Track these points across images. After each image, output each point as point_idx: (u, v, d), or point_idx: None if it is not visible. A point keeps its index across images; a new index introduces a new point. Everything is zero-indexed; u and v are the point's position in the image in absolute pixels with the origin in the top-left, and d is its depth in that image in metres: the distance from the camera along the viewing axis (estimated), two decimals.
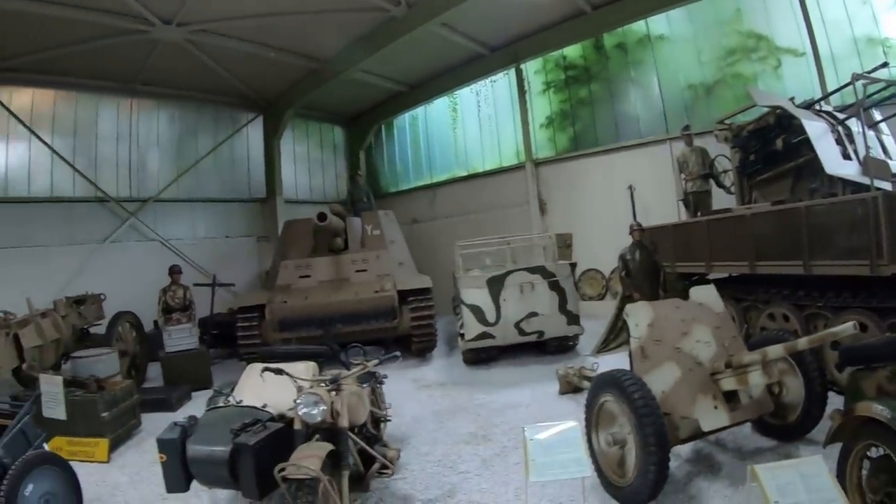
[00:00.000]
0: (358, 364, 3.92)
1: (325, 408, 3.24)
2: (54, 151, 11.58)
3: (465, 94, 14.53)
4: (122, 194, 12.40)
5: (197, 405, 7.33)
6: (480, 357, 8.29)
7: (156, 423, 6.70)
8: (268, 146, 14.92)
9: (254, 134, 15.01)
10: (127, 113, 12.70)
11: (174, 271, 9.72)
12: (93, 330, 8.98)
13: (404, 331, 8.89)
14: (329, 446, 3.16)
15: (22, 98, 11.46)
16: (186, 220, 13.54)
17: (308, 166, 16.38)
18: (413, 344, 8.92)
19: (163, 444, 3.60)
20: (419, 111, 15.83)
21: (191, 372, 8.45)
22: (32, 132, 11.37)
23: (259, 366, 4.33)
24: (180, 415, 6.85)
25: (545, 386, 6.66)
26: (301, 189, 16.06)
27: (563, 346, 8.37)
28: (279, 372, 3.64)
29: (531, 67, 12.96)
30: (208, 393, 7.58)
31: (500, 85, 13.83)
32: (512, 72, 13.15)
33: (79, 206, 11.75)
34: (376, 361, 3.89)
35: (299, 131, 16.10)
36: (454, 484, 4.29)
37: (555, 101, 12.78)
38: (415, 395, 6.99)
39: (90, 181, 11.89)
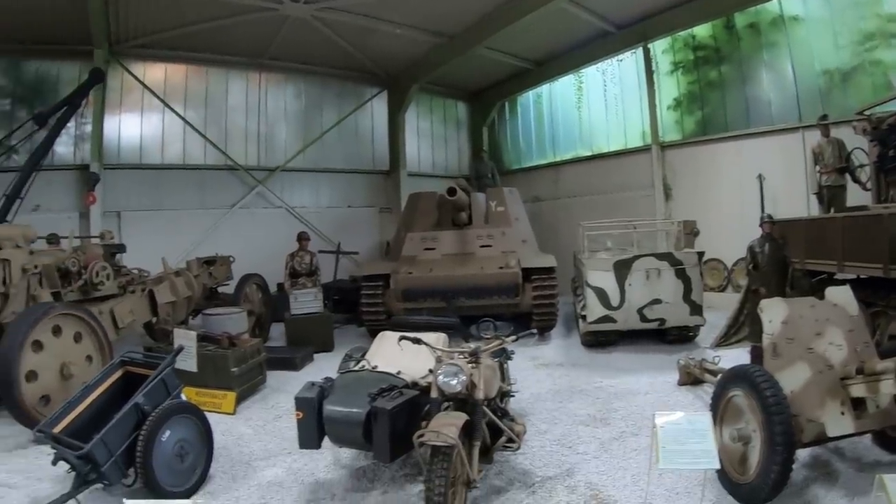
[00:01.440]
0: (490, 338, 4.53)
1: (465, 378, 3.73)
2: (186, 122, 14.63)
3: (591, 73, 16.04)
4: (251, 163, 15.32)
5: (319, 367, 8.88)
6: (599, 340, 9.16)
7: (280, 381, 8.12)
8: (392, 120, 17.35)
9: (378, 108, 17.56)
10: (255, 86, 15.65)
11: (302, 238, 11.82)
12: (221, 289, 11.26)
13: (525, 308, 9.91)
14: (465, 416, 3.62)
15: (155, 73, 14.54)
16: (311, 189, 16.28)
17: (431, 141, 18.82)
18: (533, 322, 9.81)
19: (301, 402, 4.32)
20: (544, 89, 17.70)
21: (314, 335, 10.01)
22: (166, 104, 14.45)
23: (391, 334, 5.13)
24: (303, 375, 8.33)
25: (664, 375, 7.26)
26: (424, 163, 18.51)
27: (682, 336, 9.02)
28: (417, 341, 4.21)
29: (659, 47, 14.19)
30: (329, 355, 9.71)
31: (626, 64, 15.29)
32: (639, 51, 14.49)
33: (210, 174, 14.77)
34: (514, 337, 4.44)
35: (423, 106, 18.45)
36: (572, 464, 4.79)
37: (683, 83, 13.94)
38: (534, 374, 7.75)
39: (221, 150, 14.90)
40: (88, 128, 13.62)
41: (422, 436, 3.47)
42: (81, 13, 12.20)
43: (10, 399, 5.95)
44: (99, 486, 4.36)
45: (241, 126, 15.22)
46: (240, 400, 7.10)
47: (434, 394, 3.89)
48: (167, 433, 4.37)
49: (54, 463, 4.40)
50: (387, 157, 17.44)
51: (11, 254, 6.96)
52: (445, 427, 3.43)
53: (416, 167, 17.86)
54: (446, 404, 3.89)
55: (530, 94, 18.11)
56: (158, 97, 14.35)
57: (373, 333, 10.14)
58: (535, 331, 5.09)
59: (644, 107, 14.57)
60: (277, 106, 15.85)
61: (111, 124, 14.04)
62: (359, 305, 11.21)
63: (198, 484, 4.70)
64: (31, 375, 6.10)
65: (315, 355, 9.63)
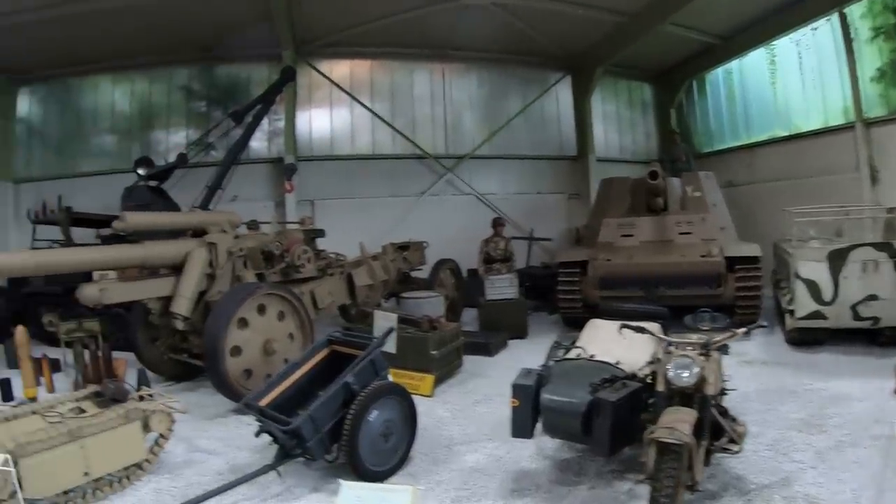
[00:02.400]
0: (709, 330, 4.54)
1: (698, 371, 3.77)
2: (374, 114, 17.14)
3: (784, 45, 15.94)
4: (439, 152, 17.53)
5: (513, 354, 9.74)
6: (806, 338, 9.04)
7: (475, 366, 8.91)
8: (578, 105, 18.74)
9: (562, 92, 19.04)
10: (439, 77, 17.89)
11: (498, 223, 13.43)
12: (414, 274, 12.36)
13: (727, 300, 10.01)
14: (696, 413, 3.66)
15: (341, 69, 17.30)
16: (499, 175, 18.15)
17: (617, 125, 19.90)
18: (736, 315, 9.85)
19: (518, 390, 4.56)
20: (733, 65, 17.82)
21: (508, 321, 10.92)
22: (353, 98, 17.09)
23: (601, 322, 5.42)
24: (498, 361, 9.39)
25: (877, 380, 7.06)
26: (611, 148, 19.60)
27: None
28: (641, 330, 4.36)
29: (856, 11, 13.47)
30: (523, 342, 10.92)
31: (821, 33, 15.22)
32: (834, 17, 14.38)
33: (399, 163, 17.20)
34: (744, 329, 4.33)
35: (607, 89, 19.56)
36: (788, 473, 4.77)
37: (885, 50, 13.15)
38: (738, 371, 7.49)
39: (409, 140, 17.17)
40: (280, 124, 16.49)
41: (652, 432, 3.56)
42: (268, 20, 14.70)
43: (215, 371, 6.96)
44: (300, 459, 4.98)
45: (428, 116, 17.55)
46: (437, 383, 7.77)
47: (660, 387, 3.99)
48: (374, 413, 4.79)
49: (258, 434, 5.02)
50: (574, 143, 18.79)
51: (218, 238, 8.22)
52: (678, 423, 3.49)
53: (604, 152, 18.95)
54: (670, 399, 3.93)
55: (719, 72, 18.32)
56: (346, 91, 17.12)
57: (568, 321, 11.59)
58: (765, 323, 5.11)
59: (844, 80, 14.60)
60: (462, 95, 17.97)
61: (302, 119, 16.94)
62: (551, 292, 12.36)
63: (398, 465, 5.13)
64: (236, 350, 7.12)
65: (509, 342, 10.50)
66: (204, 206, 13.59)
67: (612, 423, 3.96)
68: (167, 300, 7.88)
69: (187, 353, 8.49)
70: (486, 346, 9.80)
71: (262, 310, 7.64)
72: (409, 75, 17.45)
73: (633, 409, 4.17)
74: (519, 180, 18.21)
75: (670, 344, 4.14)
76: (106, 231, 13.29)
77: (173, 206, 13.68)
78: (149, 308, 8.10)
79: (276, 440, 4.93)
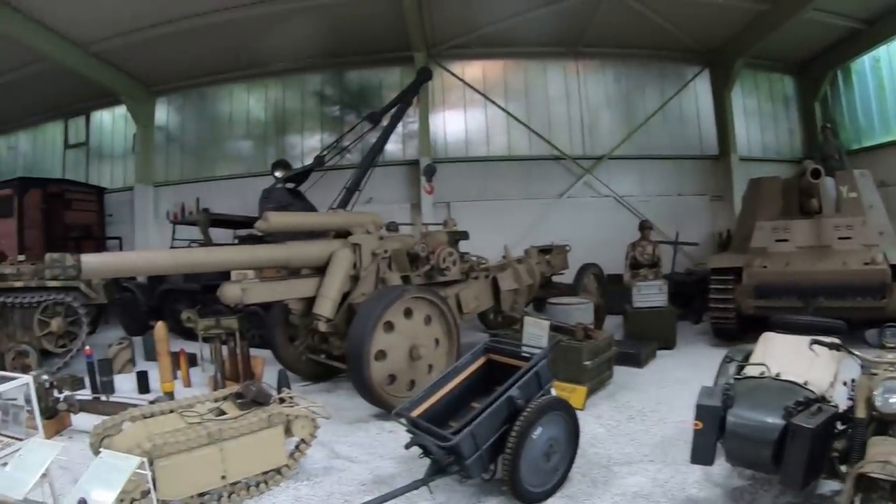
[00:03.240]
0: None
1: None
2: (509, 114, 18.32)
3: None
4: (575, 152, 18.39)
5: (663, 365, 9.69)
6: None
7: (625, 378, 8.76)
8: (717, 100, 18.79)
9: (701, 88, 19.11)
10: (574, 74, 18.81)
11: (645, 226, 13.18)
12: (555, 278, 12.55)
13: (891, 313, 9.38)
14: None
15: (473, 70, 18.63)
16: (637, 176, 18.47)
17: (759, 121, 19.77)
18: None
19: (703, 411, 4.30)
20: (881, 52, 17.41)
21: (655, 330, 10.84)
22: (487, 98, 18.37)
23: (778, 335, 5.22)
24: (647, 373, 9.23)
25: None
26: (753, 146, 19.46)
27: None
28: (835, 347, 4.19)
29: None
30: (671, 353, 10.45)
31: None
32: None
33: (535, 164, 18.21)
34: None
35: (747, 83, 19.49)
36: None
37: None
38: None
39: (546, 140, 18.20)
40: (414, 126, 17.96)
41: (860, 465, 3.32)
42: (399, 23, 16.01)
43: (358, 375, 7.10)
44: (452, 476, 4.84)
45: (563, 115, 18.40)
46: (588, 395, 7.65)
47: (861, 413, 3.75)
48: (538, 430, 4.67)
49: (409, 447, 4.96)
50: (714, 141, 18.86)
51: (362, 239, 8.51)
52: (893, 456, 3.23)
53: (746, 150, 18.87)
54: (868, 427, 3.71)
55: (865, 60, 17.92)
56: (480, 92, 18.45)
57: (719, 333, 11.57)
58: None
59: None
60: (597, 93, 18.67)
61: (436, 121, 18.38)
62: (695, 301, 12.63)
63: (557, 485, 5.02)
64: (381, 354, 7.25)
65: (658, 352, 10.47)
66: (342, 207, 14.94)
67: (808, 452, 3.77)
68: (309, 301, 8.26)
69: (325, 354, 8.83)
70: (636, 356, 9.70)
71: (408, 313, 7.76)
72: (542, 74, 18.45)
73: (828, 437, 3.94)
74: (658, 181, 18.42)
75: (865, 363, 3.91)
76: (243, 232, 15.34)
77: (310, 208, 14.78)
78: (289, 308, 8.60)
79: (427, 454, 4.90)
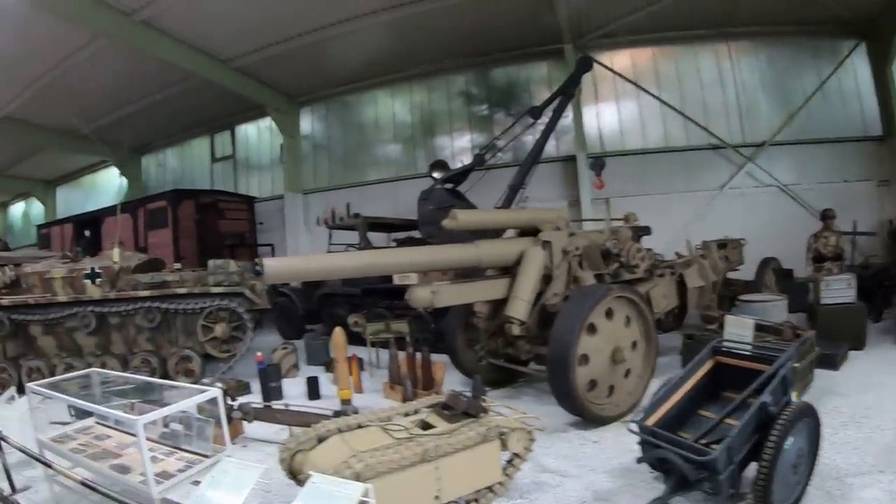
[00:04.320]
0: None
1: None
2: (663, 102, 18.23)
3: None
4: (734, 140, 17.93)
5: (856, 367, 9.19)
6: None
7: (824, 381, 8.27)
8: (877, 76, 17.58)
9: (859, 63, 17.93)
10: (726, 57, 18.35)
11: (828, 216, 12.68)
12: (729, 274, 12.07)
13: None
14: None
15: (622, 60, 18.65)
16: (798, 162, 17.58)
17: None
18: None
19: None
20: None
21: (844, 328, 10.14)
22: (640, 87, 18.38)
23: None
24: (845, 376, 8.72)
25: None
26: None
27: None
28: None
29: None
30: (861, 354, 9.76)
31: None
32: None
33: (693, 154, 17.96)
34: None
35: None
36: None
37: None
38: None
39: (704, 128, 17.95)
40: (566, 121, 17.87)
41: None
42: (545, 16, 16.40)
43: (561, 381, 6.87)
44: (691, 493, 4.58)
45: (719, 101, 17.95)
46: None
47: None
48: (790, 440, 4.39)
49: (643, 460, 4.77)
50: (877, 121, 17.57)
51: (553, 236, 8.24)
52: None
53: None
54: None
55: None
56: (632, 82, 18.44)
57: None
58: None
59: None
60: (752, 76, 18.07)
61: (589, 115, 18.57)
62: (878, 296, 11.93)
63: (797, 500, 4.75)
64: (583, 359, 6.98)
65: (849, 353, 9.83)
66: (506, 206, 15.28)
67: None
68: (496, 303, 8.20)
69: (505, 358, 8.74)
70: (832, 358, 9.05)
71: (609, 314, 7.48)
72: (693, 59, 18.11)
73: None
74: (821, 167, 17.38)
75: None
76: (401, 235, 15.98)
77: (471, 208, 14.76)
78: (471, 311, 8.57)
79: (662, 468, 4.68)
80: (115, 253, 11.46)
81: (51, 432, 5.97)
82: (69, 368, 10.83)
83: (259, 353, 9.94)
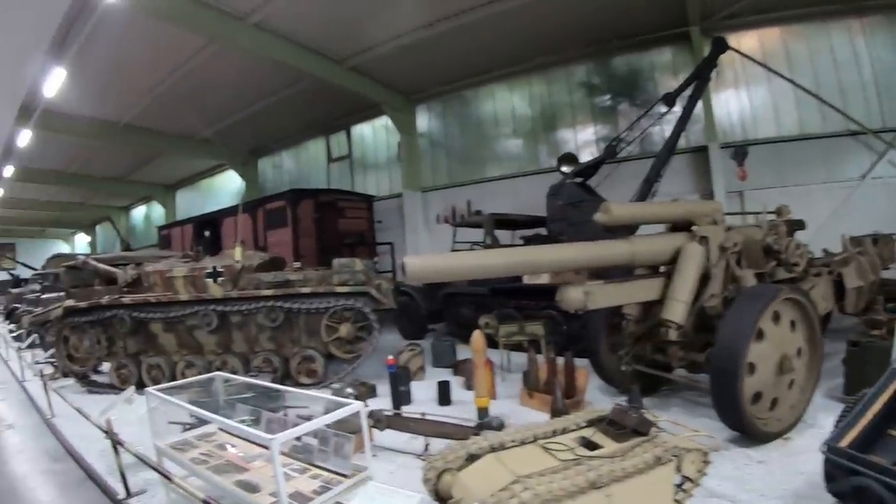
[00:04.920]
0: None
1: None
2: (797, 85, 17.27)
3: None
4: (874, 124, 16.74)
5: None
6: None
7: None
8: None
9: None
10: (859, 34, 17.18)
11: None
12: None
13: None
14: None
15: (749, 41, 17.85)
16: None
17: None
18: None
19: None
20: None
21: None
22: (772, 71, 17.54)
23: None
24: None
25: None
26: None
27: None
28: None
29: None
30: None
31: None
32: None
33: (831, 142, 16.97)
34: None
35: None
36: None
37: None
38: None
39: (842, 112, 16.92)
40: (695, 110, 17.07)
41: None
42: None
43: (727, 392, 6.38)
44: None
45: (854, 82, 16.66)
46: None
47: None
48: None
49: (838, 490, 4.31)
50: None
51: (710, 231, 7.68)
52: None
53: None
54: None
55: None
56: (761, 64, 17.56)
57: None
58: None
59: None
60: (888, 53, 16.66)
61: (717, 102, 17.89)
62: None
63: None
64: (749, 368, 6.44)
65: None
66: (641, 200, 14.93)
67: None
68: (647, 305, 7.86)
69: (650, 364, 8.36)
70: None
71: (776, 318, 6.92)
72: (825, 37, 16.95)
73: None
74: None
75: None
76: (528, 232, 15.96)
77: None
78: (620, 313, 8.26)
79: (853, 498, 4.14)
80: (237, 252, 11.72)
81: (169, 437, 5.97)
82: (189, 366, 11.58)
83: (391, 357, 9.51)
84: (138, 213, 46.78)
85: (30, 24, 13.81)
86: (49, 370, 13.78)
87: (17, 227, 55.60)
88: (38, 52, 15.30)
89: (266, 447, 4.38)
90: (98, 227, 56.47)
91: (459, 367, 11.18)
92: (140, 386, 11.23)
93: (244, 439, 5.60)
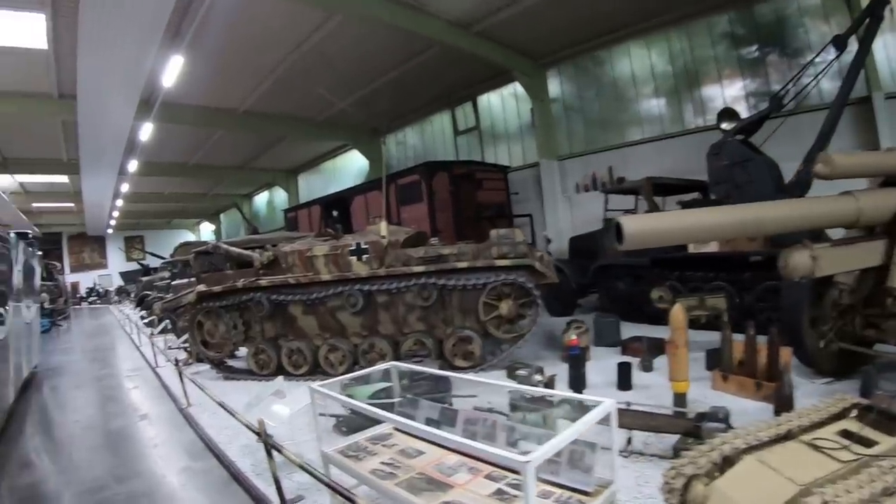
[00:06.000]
0: None
1: None
2: None
3: None
4: None
5: None
6: None
7: None
8: None
9: None
10: None
11: None
12: None
13: None
14: None
15: None
16: None
17: None
18: None
19: None
20: None
21: None
22: None
23: None
24: None
25: None
26: None
27: None
28: None
29: None
30: None
31: None
32: None
33: None
34: None
35: None
36: None
37: None
38: None
39: None
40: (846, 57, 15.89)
41: None
42: None
43: None
44: None
45: None
46: None
47: None
48: None
49: None
50: None
51: None
52: None
53: None
54: None
55: None
56: None
57: None
58: None
59: None
60: None
61: (879, 47, 16.35)
62: None
63: None
64: None
65: None
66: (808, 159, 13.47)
67: None
68: (866, 272, 7.36)
69: (856, 341, 7.80)
70: None
71: None
72: None
73: None
74: None
75: None
76: (686, 197, 15.36)
77: (771, 164, 13.78)
78: (833, 282, 7.74)
79: None
80: (382, 227, 11.31)
81: (337, 442, 5.41)
82: (333, 350, 11.54)
83: (574, 338, 8.99)
84: (260, 199, 48.86)
85: (147, 12, 14.20)
86: (182, 356, 14.48)
87: (144, 220, 59.07)
88: (155, 41, 15.73)
89: (516, 471, 3.64)
90: (222, 216, 59.19)
91: (629, 347, 10.78)
92: (279, 371, 11.81)
93: (431, 442, 4.62)
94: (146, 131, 24.12)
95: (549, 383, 7.89)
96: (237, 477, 6.76)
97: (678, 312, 7.13)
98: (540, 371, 8.66)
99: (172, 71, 17.75)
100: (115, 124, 22.75)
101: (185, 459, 7.90)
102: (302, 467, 4.49)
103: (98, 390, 13.62)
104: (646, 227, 5.59)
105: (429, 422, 5.03)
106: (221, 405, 6.94)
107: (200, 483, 6.99)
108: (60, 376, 16.07)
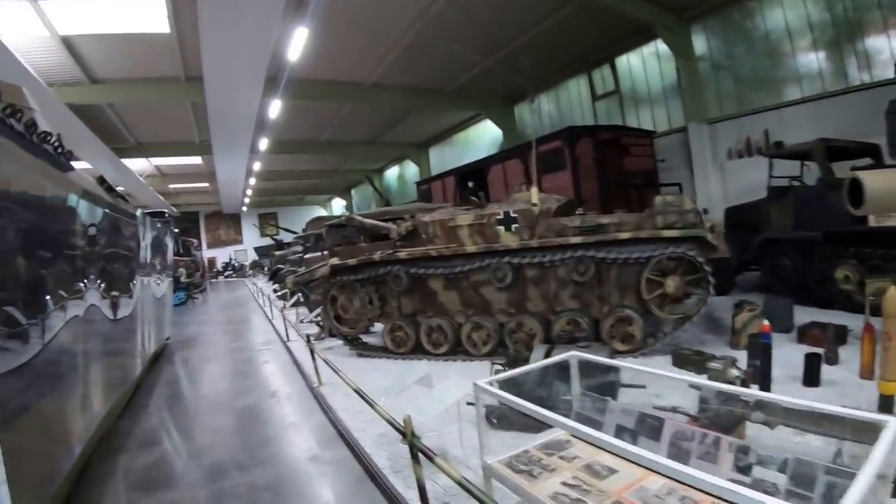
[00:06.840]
0: None
1: None
2: None
3: None
4: None
5: None
6: None
7: None
8: None
9: None
10: None
11: None
12: None
13: None
14: None
15: None
16: None
17: None
18: None
19: None
20: None
21: None
22: None
23: None
24: None
25: None
26: None
27: None
28: None
29: None
30: None
31: None
32: None
33: None
34: None
35: None
36: None
37: None
38: None
39: None
40: None
41: None
42: None
43: None
44: None
45: None
46: None
47: None
48: None
49: None
50: None
51: None
52: None
53: None
54: None
55: None
56: None
57: None
58: None
59: None
60: None
61: None
62: None
63: None
64: None
65: None
66: None
67: None
68: None
69: None
70: None
71: None
72: None
73: None
74: None
75: None
76: (860, 161, 13.74)
77: None
78: None
79: None
80: (533, 193, 10.77)
81: (501, 451, 4.58)
82: (477, 328, 11.12)
83: (766, 323, 7.61)
84: (391, 173, 49.76)
85: None
86: (314, 330, 14.79)
87: (277, 197, 61.69)
88: (278, 11, 15.78)
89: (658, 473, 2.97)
90: (353, 191, 60.87)
91: (808, 334, 9.44)
92: (417, 350, 11.78)
93: (622, 457, 3.32)
94: (275, 109, 24.95)
95: (748, 380, 6.61)
96: (371, 473, 6.25)
97: (893, 297, 5.85)
98: (733, 363, 6.90)
99: (297, 44, 18.07)
100: (243, 102, 23.48)
101: (315, 447, 7.65)
102: (461, 485, 3.75)
103: (228, 364, 14.12)
104: (889, 183, 4.80)
105: (620, 430, 4.36)
106: (358, 392, 6.49)
107: (330, 477, 6.67)
108: (193, 348, 16.85)
